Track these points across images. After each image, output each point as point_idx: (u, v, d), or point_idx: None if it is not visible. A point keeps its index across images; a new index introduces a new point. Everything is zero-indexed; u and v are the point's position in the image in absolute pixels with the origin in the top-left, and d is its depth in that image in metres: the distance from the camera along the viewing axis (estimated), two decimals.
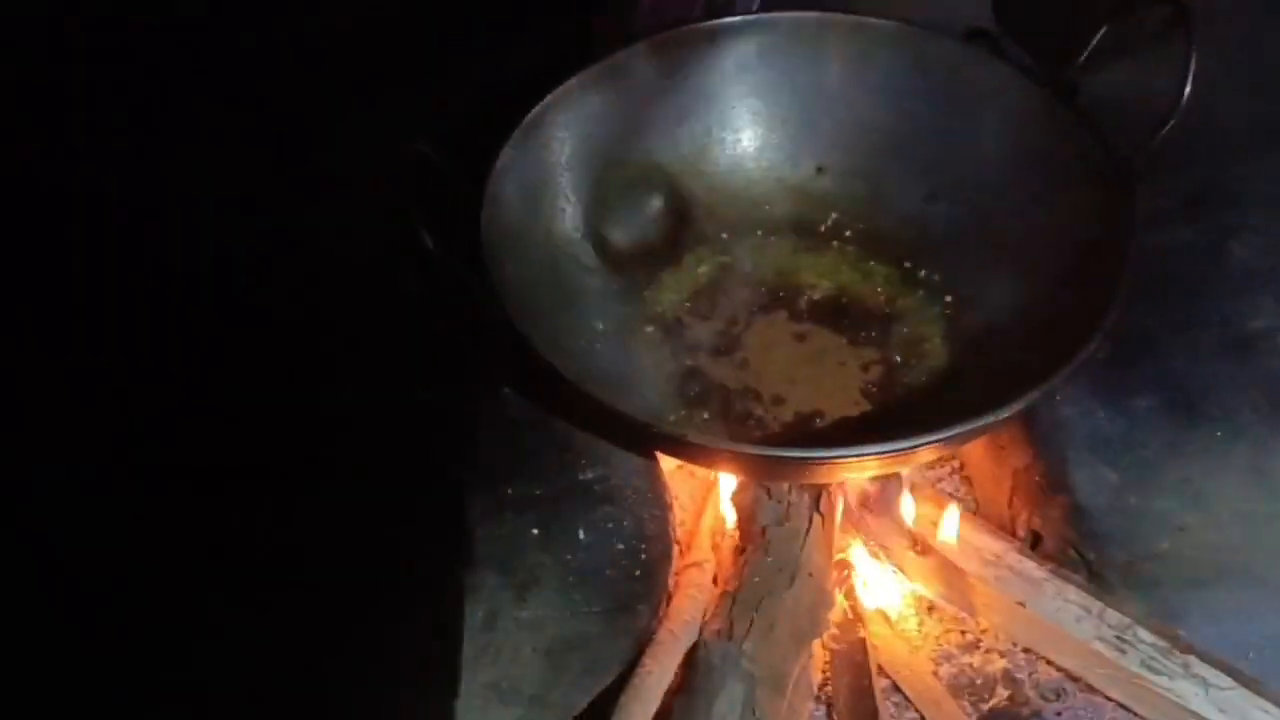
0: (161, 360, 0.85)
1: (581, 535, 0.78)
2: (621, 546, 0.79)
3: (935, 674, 0.90)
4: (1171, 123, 0.77)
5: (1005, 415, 0.69)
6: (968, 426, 0.69)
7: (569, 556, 0.78)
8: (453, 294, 0.76)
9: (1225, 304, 0.88)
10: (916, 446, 0.70)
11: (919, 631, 0.94)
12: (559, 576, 0.77)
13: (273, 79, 0.94)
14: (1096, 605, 0.84)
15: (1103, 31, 0.85)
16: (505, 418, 0.84)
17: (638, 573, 0.79)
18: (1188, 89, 0.76)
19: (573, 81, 0.92)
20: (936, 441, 0.70)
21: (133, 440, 0.81)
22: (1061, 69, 0.86)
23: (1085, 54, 0.86)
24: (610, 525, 0.79)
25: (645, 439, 0.70)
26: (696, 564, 0.91)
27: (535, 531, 0.78)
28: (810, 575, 0.87)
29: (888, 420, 0.85)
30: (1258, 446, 0.82)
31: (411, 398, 0.85)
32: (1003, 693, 0.88)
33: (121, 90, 0.89)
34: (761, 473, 0.83)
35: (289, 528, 0.78)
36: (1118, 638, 0.82)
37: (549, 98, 0.90)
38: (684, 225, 1.01)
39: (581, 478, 0.81)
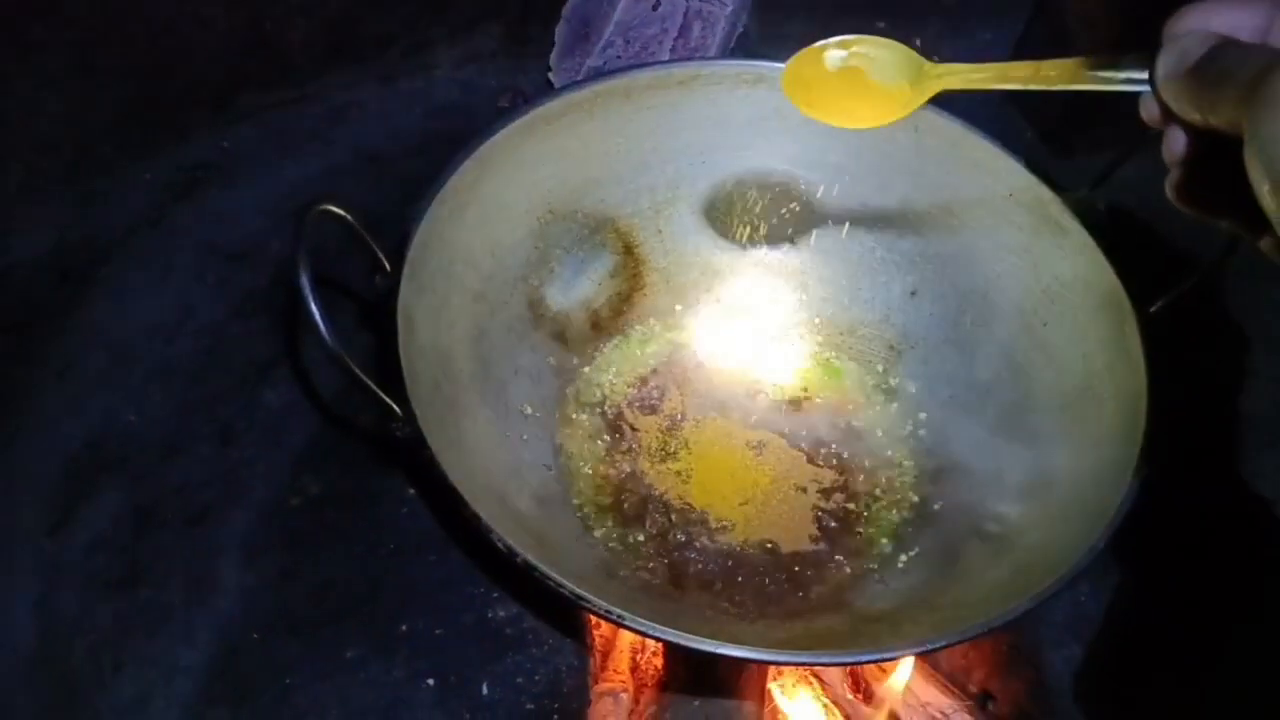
0: None
1: (485, 690, 0.66)
2: (531, 706, 0.67)
3: None
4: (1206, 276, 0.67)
5: (973, 636, 0.59)
6: (930, 645, 0.59)
7: (467, 714, 0.66)
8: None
9: (1228, 464, 0.79)
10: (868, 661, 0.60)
11: None
12: None
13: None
14: None
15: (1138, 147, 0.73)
16: (402, 532, 0.70)
17: None
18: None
19: (519, 121, 0.78)
20: (896, 657, 0.59)
21: None
22: (1091, 182, 0.75)
23: (1115, 169, 0.74)
24: (520, 679, 0.67)
25: (573, 605, 0.58)
26: (612, 692, 0.80)
27: (430, 681, 0.66)
28: None
29: (839, 568, 0.75)
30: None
31: (290, 492, 0.71)
32: None
33: None
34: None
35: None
36: None
37: (491, 138, 0.76)
38: (634, 291, 0.88)
39: (490, 616, 0.69)
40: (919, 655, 0.64)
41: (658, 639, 0.57)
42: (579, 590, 0.57)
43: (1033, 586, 0.61)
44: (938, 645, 0.59)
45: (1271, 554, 0.76)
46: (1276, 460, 0.80)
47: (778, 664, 0.61)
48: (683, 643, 0.56)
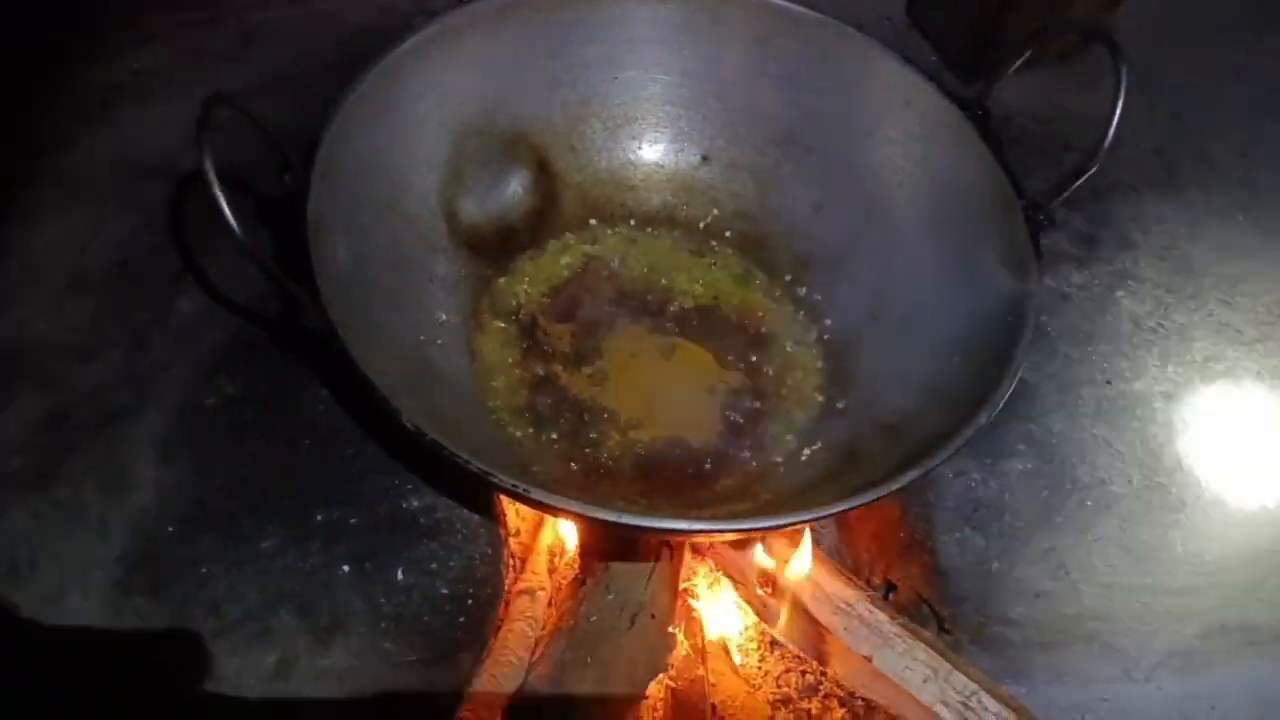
0: None
1: (400, 575, 0.68)
2: (445, 591, 0.69)
3: (773, 718, 0.85)
4: (1091, 172, 0.71)
5: (866, 501, 0.62)
6: (821, 512, 0.62)
7: (384, 599, 0.67)
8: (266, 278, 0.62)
9: (1109, 360, 0.83)
10: (766, 528, 0.63)
11: (759, 668, 0.89)
12: (370, 622, 0.67)
13: None
14: (944, 667, 0.80)
15: (1025, 56, 0.77)
16: (318, 427, 0.71)
17: (462, 619, 0.70)
18: (1110, 137, 0.69)
19: (431, 30, 0.79)
20: (788, 525, 0.62)
21: None
22: (979, 90, 0.79)
23: (1001, 78, 0.78)
24: (434, 565, 0.69)
25: (481, 484, 0.60)
26: (529, 590, 0.83)
27: (346, 568, 0.68)
28: (653, 616, 0.80)
29: (747, 462, 0.78)
30: (1126, 519, 0.78)
31: (206, 393, 0.72)
32: None
33: None
34: (607, 529, 0.74)
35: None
36: (962, 704, 0.78)
37: (400, 48, 0.77)
38: (548, 206, 0.89)
39: (405, 506, 0.70)
40: (819, 520, 0.67)
41: (559, 509, 0.59)
42: (484, 466, 0.59)
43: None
44: (835, 510, 0.62)
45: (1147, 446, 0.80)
46: (1159, 359, 0.85)
47: (678, 533, 0.63)
48: (583, 512, 0.58)
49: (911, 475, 0.62)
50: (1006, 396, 0.66)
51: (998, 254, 0.75)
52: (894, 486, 0.62)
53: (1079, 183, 0.71)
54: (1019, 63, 0.78)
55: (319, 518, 0.69)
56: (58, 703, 0.64)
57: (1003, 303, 0.73)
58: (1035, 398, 0.81)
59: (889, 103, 0.83)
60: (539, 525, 0.88)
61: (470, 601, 0.70)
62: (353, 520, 0.69)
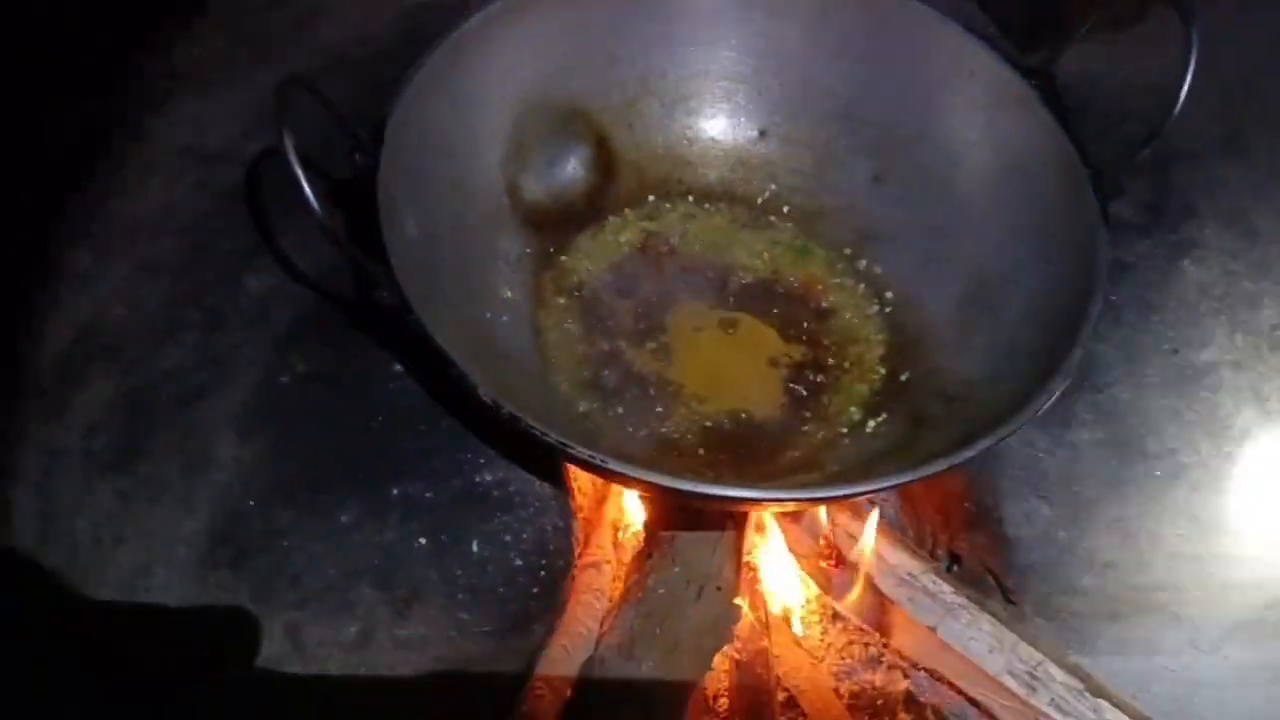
0: None
1: (475, 548, 0.69)
2: (519, 562, 0.70)
3: (837, 690, 0.85)
4: (1158, 138, 0.70)
5: (936, 471, 0.62)
6: (888, 482, 0.63)
7: (459, 571, 0.69)
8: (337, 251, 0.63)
9: (1175, 330, 0.82)
10: (834, 498, 0.63)
11: (821, 640, 0.89)
12: (446, 593, 0.69)
13: None
14: (1010, 638, 0.80)
15: (1090, 22, 0.76)
16: (391, 403, 0.73)
17: (535, 590, 0.71)
18: (1180, 102, 0.69)
19: (494, 8, 0.80)
20: (856, 495, 0.63)
21: None
22: (1042, 58, 0.78)
23: (1067, 46, 0.77)
24: (508, 537, 0.70)
25: (555, 454, 0.61)
26: (595, 564, 0.84)
27: (422, 541, 0.69)
28: (719, 588, 0.81)
29: (811, 434, 0.78)
30: (1194, 489, 0.78)
31: (280, 370, 0.73)
32: (904, 716, 0.84)
33: None
34: (678, 499, 0.75)
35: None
36: (1029, 674, 0.79)
37: (464, 25, 0.78)
38: (608, 182, 0.90)
39: (478, 480, 0.71)
40: (890, 490, 0.67)
41: (637, 480, 0.59)
42: (560, 438, 0.60)
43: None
44: (903, 479, 0.62)
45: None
46: (1226, 327, 0.84)
47: (754, 501, 0.64)
48: (661, 483, 0.59)
49: (983, 445, 0.62)
50: (1075, 365, 0.65)
51: (1065, 223, 0.74)
52: (965, 456, 0.62)
53: (1146, 149, 0.71)
54: (1085, 28, 0.77)
55: (395, 492, 0.70)
56: (144, 671, 0.66)
57: (1071, 272, 0.72)
58: (1102, 367, 0.81)
59: (951, 73, 0.83)
60: (603, 500, 0.89)
61: (543, 573, 0.71)
62: (428, 494, 0.70)
